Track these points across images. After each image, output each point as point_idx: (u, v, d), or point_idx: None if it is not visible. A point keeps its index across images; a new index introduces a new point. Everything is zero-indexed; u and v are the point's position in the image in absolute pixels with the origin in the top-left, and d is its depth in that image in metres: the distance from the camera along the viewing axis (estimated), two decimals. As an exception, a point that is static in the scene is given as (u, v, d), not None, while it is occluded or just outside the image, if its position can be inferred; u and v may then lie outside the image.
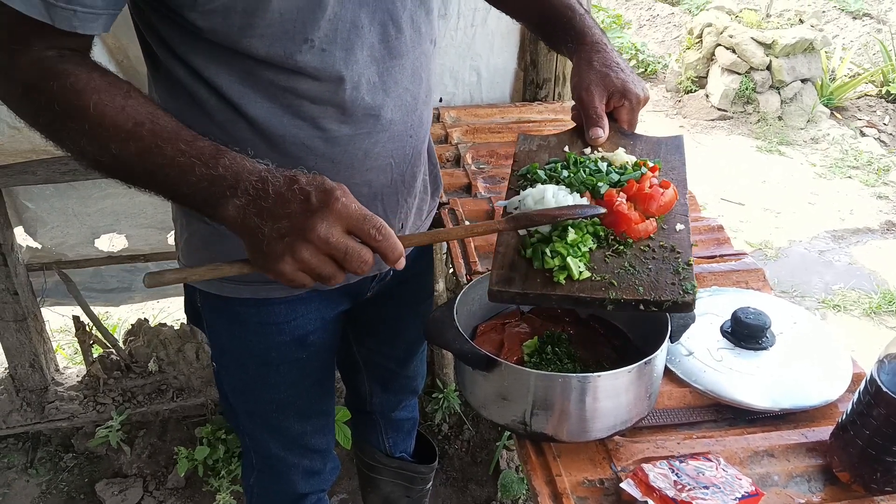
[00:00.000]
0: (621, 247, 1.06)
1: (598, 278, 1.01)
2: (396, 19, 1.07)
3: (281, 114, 1.05)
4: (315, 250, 0.86)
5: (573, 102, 1.32)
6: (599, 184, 1.13)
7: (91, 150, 0.91)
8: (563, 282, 1.01)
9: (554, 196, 1.10)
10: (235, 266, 0.92)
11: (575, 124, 1.33)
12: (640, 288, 1.00)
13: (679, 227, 1.10)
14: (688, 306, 0.97)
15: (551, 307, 1.23)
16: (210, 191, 0.89)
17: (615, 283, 1.01)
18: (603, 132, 1.25)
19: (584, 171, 1.17)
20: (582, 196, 1.11)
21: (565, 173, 1.18)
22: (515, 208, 1.14)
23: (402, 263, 0.91)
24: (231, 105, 1.03)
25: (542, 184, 1.16)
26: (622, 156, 1.21)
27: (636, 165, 1.19)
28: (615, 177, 1.15)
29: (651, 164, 1.19)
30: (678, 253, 1.05)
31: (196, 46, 0.99)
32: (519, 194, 1.15)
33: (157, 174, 0.91)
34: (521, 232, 1.09)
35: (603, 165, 1.19)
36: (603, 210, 1.06)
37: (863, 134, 5.62)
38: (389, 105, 1.11)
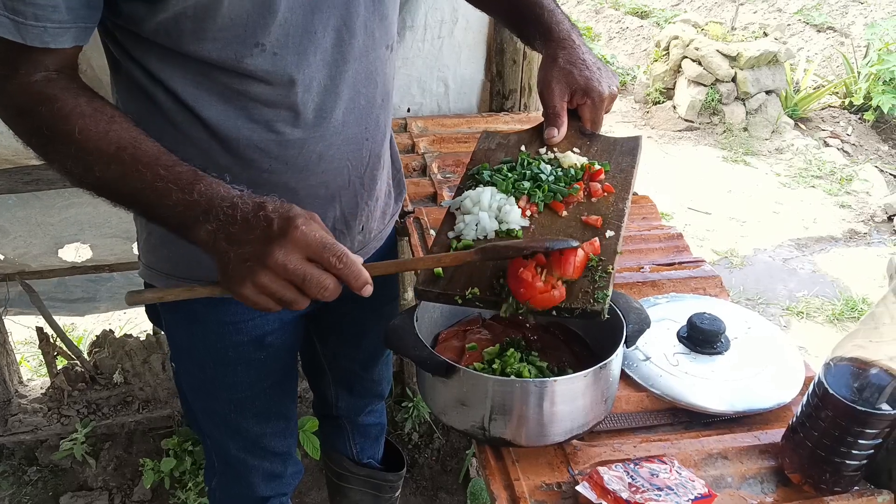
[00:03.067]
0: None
1: None
2: (350, 25, 1.08)
3: (235, 116, 1.07)
4: (274, 276, 0.89)
5: (539, 112, 1.33)
6: (532, 192, 1.16)
7: (77, 171, 0.96)
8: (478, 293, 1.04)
9: (492, 198, 1.13)
10: (208, 288, 0.98)
11: (542, 120, 1.32)
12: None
13: (609, 233, 1.11)
14: (596, 314, 1.00)
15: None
16: (185, 215, 0.93)
17: None
18: (558, 131, 1.25)
19: (525, 176, 1.19)
20: (518, 201, 1.14)
21: (508, 176, 1.19)
22: (457, 209, 1.17)
23: (368, 291, 0.94)
24: (186, 107, 1.05)
25: (484, 185, 1.18)
26: (572, 157, 1.22)
27: (583, 168, 1.20)
28: (553, 185, 1.17)
29: (597, 167, 1.20)
30: (602, 260, 1.06)
31: (150, 50, 1.01)
32: (462, 194, 1.18)
33: (137, 196, 0.96)
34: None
35: (547, 168, 1.20)
36: (576, 243, 1.02)
37: (826, 144, 5.75)
38: (342, 108, 1.13)
